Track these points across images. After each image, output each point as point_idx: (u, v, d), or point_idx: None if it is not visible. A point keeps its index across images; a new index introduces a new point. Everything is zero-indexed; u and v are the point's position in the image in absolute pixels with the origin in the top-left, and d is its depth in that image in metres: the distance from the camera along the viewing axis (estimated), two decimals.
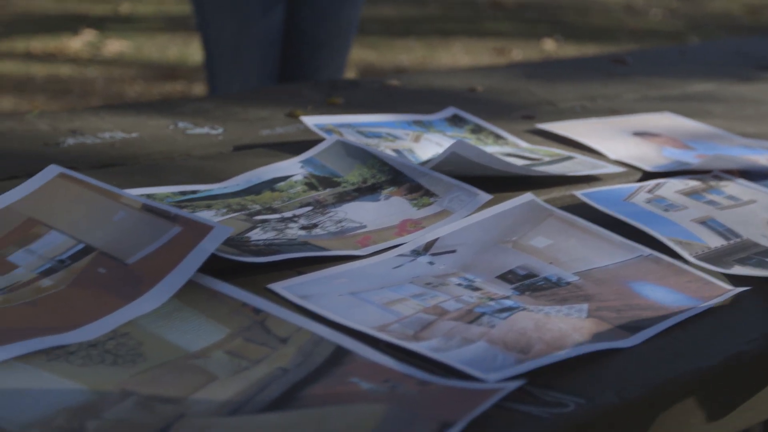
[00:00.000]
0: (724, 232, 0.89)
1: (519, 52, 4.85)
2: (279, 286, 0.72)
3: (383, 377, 0.60)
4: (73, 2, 5.86)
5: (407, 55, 4.72)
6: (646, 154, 1.13)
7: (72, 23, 5.06)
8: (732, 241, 0.88)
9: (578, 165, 1.06)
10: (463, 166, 0.95)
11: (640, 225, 0.86)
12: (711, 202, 0.96)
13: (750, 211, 0.95)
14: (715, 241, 0.87)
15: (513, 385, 0.57)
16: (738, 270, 0.81)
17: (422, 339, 0.65)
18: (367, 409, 0.55)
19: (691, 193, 0.98)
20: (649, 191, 0.96)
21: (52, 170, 0.82)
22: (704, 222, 0.91)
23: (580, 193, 0.92)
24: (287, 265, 0.76)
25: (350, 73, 4.24)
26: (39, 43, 4.62)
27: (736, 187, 1.01)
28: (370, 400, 0.57)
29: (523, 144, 1.14)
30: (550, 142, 1.17)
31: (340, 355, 0.62)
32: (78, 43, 4.68)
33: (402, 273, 0.76)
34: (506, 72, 1.64)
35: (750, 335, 0.71)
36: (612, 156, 1.12)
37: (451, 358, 0.62)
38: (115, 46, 4.66)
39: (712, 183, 1.01)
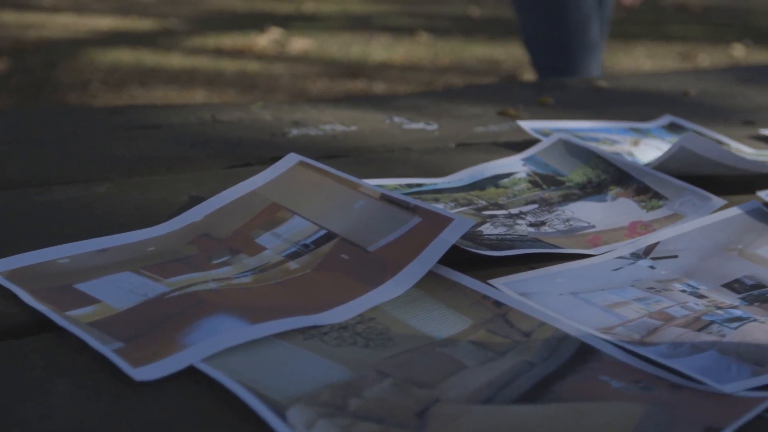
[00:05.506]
0: None
1: (706, 57, 4.68)
2: (499, 282, 0.72)
3: (633, 378, 0.59)
4: (260, 1, 6.09)
5: None
6: None
7: (258, 21, 5.26)
8: None
9: None
10: (692, 162, 0.92)
11: None
12: None
13: None
14: None
15: None
16: None
17: (650, 344, 0.63)
18: (626, 407, 0.55)
19: None
20: None
21: (291, 158, 0.85)
22: None
23: (764, 193, 0.88)
24: (519, 261, 0.76)
25: (529, 75, 4.21)
26: (228, 40, 4.82)
27: None
28: (625, 398, 0.56)
29: (747, 149, 1.10)
30: None
31: (585, 352, 0.62)
32: (264, 40, 4.85)
33: (622, 276, 0.74)
34: (718, 76, 1.58)
35: None
36: None
37: (682, 364, 0.60)
38: (300, 43, 4.80)
39: None
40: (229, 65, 4.35)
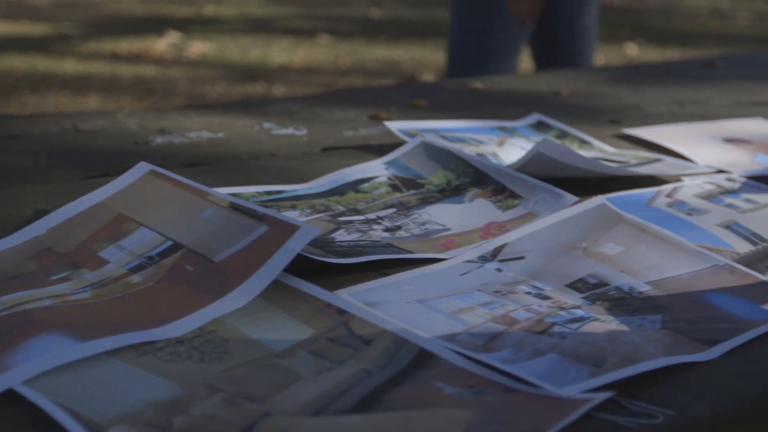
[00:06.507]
0: (750, 236, 0.87)
1: (600, 56, 4.78)
2: (345, 292, 0.71)
3: (468, 382, 0.59)
4: (159, 5, 5.99)
5: None
6: (738, 161, 1.10)
7: (157, 25, 5.16)
8: (759, 246, 0.85)
9: (667, 167, 1.04)
10: (549, 166, 0.94)
11: (670, 232, 0.83)
12: (731, 206, 0.94)
13: None
14: (743, 247, 0.84)
15: (603, 395, 0.56)
16: None
17: (492, 350, 0.63)
18: (454, 414, 0.55)
19: (709, 197, 0.95)
20: (668, 195, 0.94)
21: (142, 167, 0.83)
22: (729, 226, 0.88)
23: (604, 197, 0.89)
24: (372, 267, 0.75)
25: (429, 76, 4.24)
26: (125, 45, 4.73)
27: (750, 190, 0.98)
28: (455, 404, 0.56)
29: (609, 149, 1.12)
30: (637, 147, 1.15)
31: (423, 358, 0.62)
32: (162, 44, 4.77)
33: (469, 280, 0.74)
34: (592, 76, 1.61)
35: None
36: (701, 162, 1.09)
37: (522, 370, 0.60)
38: (198, 47, 4.74)
39: (727, 186, 0.98)
40: (125, 70, 4.26)
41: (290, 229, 0.73)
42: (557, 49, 2.04)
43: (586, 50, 2.07)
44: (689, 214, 0.90)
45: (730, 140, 1.18)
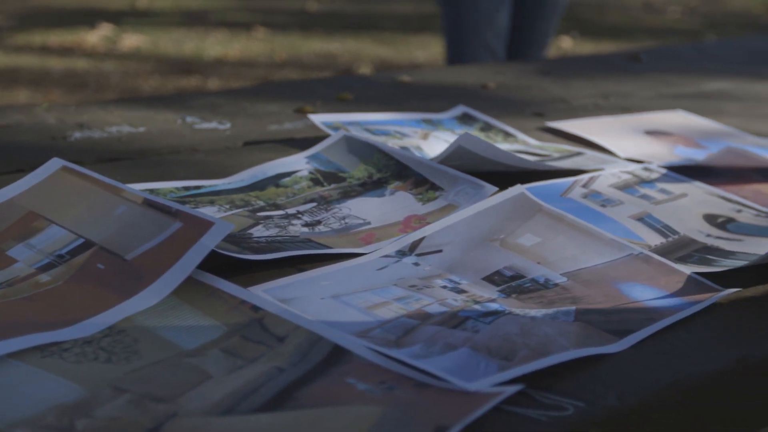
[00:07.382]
0: (662, 228, 0.88)
1: None
2: (260, 288, 0.69)
3: (379, 378, 0.59)
4: None
5: (423, 51, 4.71)
6: (658, 153, 1.12)
7: (89, 17, 5.07)
8: (670, 239, 0.86)
9: (588, 161, 1.05)
10: (471, 160, 0.94)
11: (587, 223, 0.84)
12: (645, 197, 0.95)
13: (683, 206, 0.94)
14: (654, 239, 0.86)
15: (512, 389, 0.56)
16: (682, 269, 0.79)
17: (404, 345, 0.63)
18: (363, 410, 0.54)
19: (625, 187, 0.96)
20: (584, 185, 0.95)
21: (54, 163, 0.81)
22: (641, 218, 0.89)
23: (523, 187, 0.89)
24: (289, 263, 0.75)
25: (365, 69, 4.23)
26: (56, 37, 4.63)
27: (666, 180, 1.00)
28: (365, 401, 0.56)
29: (533, 141, 1.13)
30: (561, 139, 1.16)
31: (337, 354, 0.61)
32: (95, 37, 4.68)
33: (386, 275, 0.73)
34: (519, 69, 1.62)
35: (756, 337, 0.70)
36: (622, 155, 1.10)
37: (432, 365, 0.59)
38: (132, 40, 4.66)
39: (644, 175, 1.00)
40: (56, 63, 4.18)
41: (204, 225, 0.72)
42: (518, 36, 2.08)
43: (545, 41, 2.12)
44: (603, 206, 0.91)
45: (651, 132, 1.20)
